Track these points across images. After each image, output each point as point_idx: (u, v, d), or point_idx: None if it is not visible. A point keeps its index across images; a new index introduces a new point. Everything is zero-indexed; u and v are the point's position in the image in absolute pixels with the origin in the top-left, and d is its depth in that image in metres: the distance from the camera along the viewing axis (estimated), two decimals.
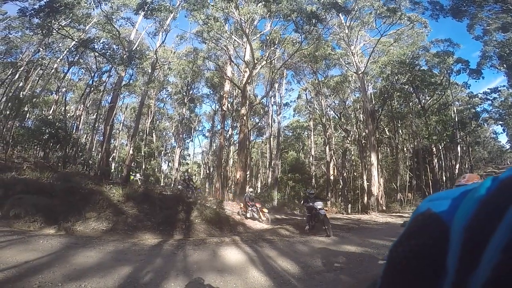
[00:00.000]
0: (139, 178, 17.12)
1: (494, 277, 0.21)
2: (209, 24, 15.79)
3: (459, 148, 24.41)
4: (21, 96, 15.22)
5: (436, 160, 23.60)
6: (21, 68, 16.10)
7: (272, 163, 25.71)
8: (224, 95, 20.95)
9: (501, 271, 0.21)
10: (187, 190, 12.41)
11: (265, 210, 10.20)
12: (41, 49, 16.73)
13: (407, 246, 0.32)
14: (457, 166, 24.46)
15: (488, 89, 27.80)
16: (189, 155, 37.79)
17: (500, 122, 27.02)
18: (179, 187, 13.08)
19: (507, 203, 0.23)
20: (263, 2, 14.61)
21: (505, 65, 18.58)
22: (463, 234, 0.26)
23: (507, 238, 0.21)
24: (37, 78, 18.53)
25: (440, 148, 22.98)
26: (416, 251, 0.31)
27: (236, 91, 22.17)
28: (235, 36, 17.91)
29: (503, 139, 54.76)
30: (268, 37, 18.16)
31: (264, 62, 18.20)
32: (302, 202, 9.78)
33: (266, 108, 27.05)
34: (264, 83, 26.49)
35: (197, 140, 49.32)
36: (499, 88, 24.22)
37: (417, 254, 0.30)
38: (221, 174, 20.47)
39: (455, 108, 24.05)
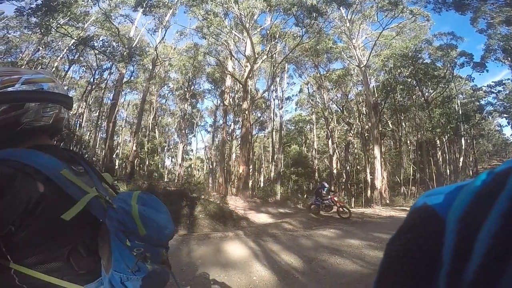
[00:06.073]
0: None
1: (485, 262, 0.22)
2: (208, 20, 15.67)
3: (463, 141, 24.25)
4: None
5: (440, 153, 23.46)
6: (22, 67, 16.11)
7: (275, 157, 25.73)
8: (226, 90, 20.90)
9: (491, 256, 0.21)
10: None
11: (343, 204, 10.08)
12: (40, 48, 16.72)
13: (404, 239, 0.32)
14: (461, 159, 24.32)
15: (492, 82, 27.41)
16: (192, 150, 37.91)
17: (505, 115, 26.81)
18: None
19: (499, 191, 0.24)
20: None
21: (509, 58, 18.35)
22: (457, 224, 0.27)
23: (498, 224, 0.22)
24: None
25: (444, 141, 22.79)
26: (412, 244, 0.31)
27: (238, 85, 22.08)
28: (235, 31, 17.77)
29: (507, 131, 54.22)
30: (268, 31, 17.98)
31: (265, 56, 18.06)
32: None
33: (268, 102, 26.96)
34: (265, 78, 26.36)
35: (200, 135, 49.36)
36: (503, 81, 23.99)
37: (413, 247, 0.31)
38: (224, 169, 20.54)
39: (459, 101, 23.79)
